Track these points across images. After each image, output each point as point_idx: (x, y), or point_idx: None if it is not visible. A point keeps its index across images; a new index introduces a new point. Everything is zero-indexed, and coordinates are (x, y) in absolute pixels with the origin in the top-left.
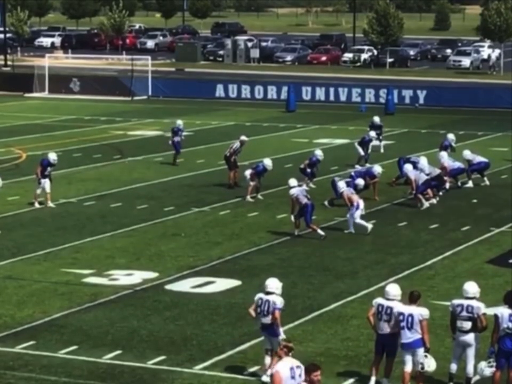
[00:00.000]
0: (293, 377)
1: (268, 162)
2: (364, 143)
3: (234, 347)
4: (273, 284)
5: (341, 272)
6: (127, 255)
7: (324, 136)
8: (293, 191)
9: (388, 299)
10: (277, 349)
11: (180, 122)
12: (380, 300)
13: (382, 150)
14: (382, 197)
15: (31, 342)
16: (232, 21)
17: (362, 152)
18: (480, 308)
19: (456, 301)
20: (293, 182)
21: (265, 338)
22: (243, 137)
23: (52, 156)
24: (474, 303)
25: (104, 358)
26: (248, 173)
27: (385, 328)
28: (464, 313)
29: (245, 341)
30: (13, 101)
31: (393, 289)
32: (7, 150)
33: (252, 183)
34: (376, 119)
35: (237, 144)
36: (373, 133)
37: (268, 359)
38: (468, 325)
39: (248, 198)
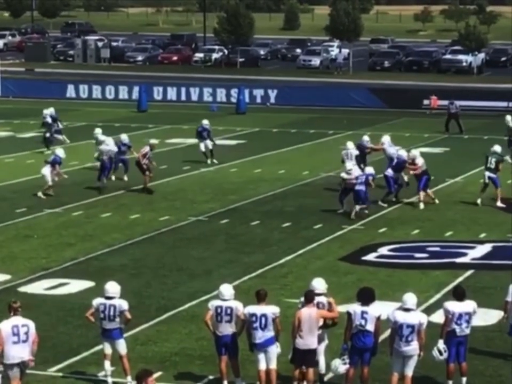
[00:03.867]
0: (15, 334)
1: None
2: (200, 133)
3: (89, 348)
4: (114, 288)
5: (194, 271)
6: None
7: (176, 136)
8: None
9: (224, 300)
10: (122, 352)
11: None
12: (216, 302)
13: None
14: (235, 195)
15: None
16: (82, 21)
17: (203, 148)
18: (331, 303)
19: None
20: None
21: (106, 344)
22: (152, 141)
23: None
24: (324, 299)
25: None
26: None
27: (227, 329)
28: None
29: (99, 342)
30: None
31: (228, 289)
32: None
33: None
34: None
35: (146, 148)
36: (205, 121)
37: (108, 364)
38: (320, 321)
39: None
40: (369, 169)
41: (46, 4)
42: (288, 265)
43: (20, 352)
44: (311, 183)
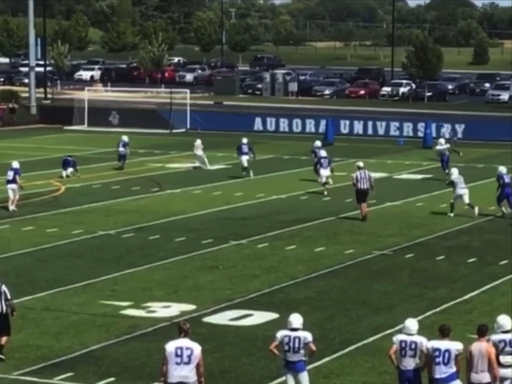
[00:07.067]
0: (178, 356)
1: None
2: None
3: (271, 380)
4: (298, 320)
5: (378, 305)
6: (165, 287)
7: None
8: None
9: (409, 334)
10: None
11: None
12: (401, 336)
13: None
14: (420, 230)
15: (69, 374)
16: (271, 55)
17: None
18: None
19: (496, 337)
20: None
21: (289, 376)
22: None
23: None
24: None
25: None
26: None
27: (410, 364)
28: (508, 348)
29: (282, 374)
30: (52, 133)
31: (414, 324)
32: (47, 182)
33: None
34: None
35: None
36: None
37: None
38: (510, 359)
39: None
40: None
41: (235, 38)
42: (473, 301)
43: (180, 373)
44: (497, 218)
